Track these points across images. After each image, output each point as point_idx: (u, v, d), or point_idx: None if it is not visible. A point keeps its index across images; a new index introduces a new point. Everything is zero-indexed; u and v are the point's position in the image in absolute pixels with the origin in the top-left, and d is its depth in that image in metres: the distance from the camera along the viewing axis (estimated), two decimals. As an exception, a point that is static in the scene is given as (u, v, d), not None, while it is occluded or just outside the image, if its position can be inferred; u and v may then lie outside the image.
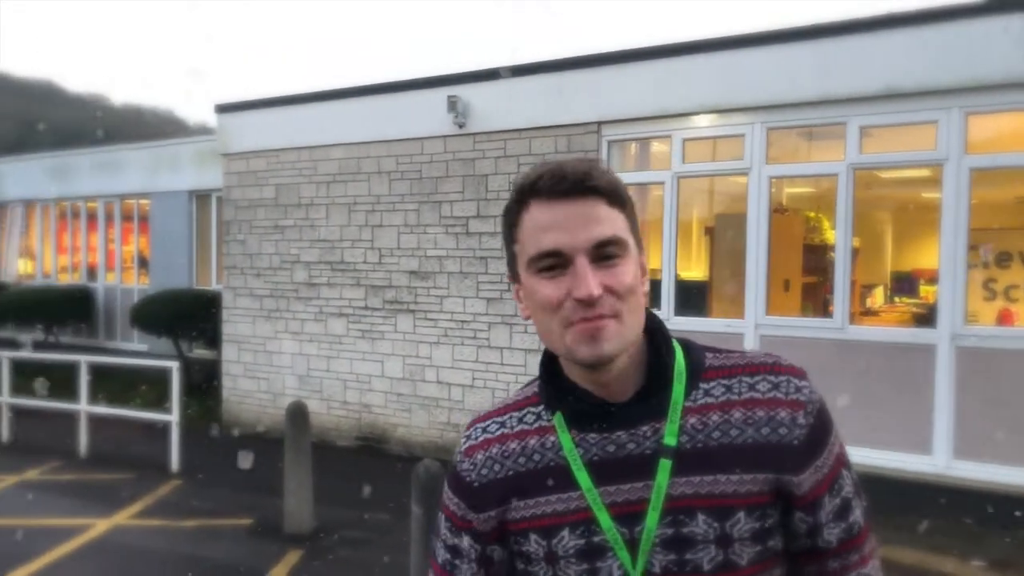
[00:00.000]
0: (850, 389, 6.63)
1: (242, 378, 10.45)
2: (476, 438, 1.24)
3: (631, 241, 1.11)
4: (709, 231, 9.14)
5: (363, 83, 9.53)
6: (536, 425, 1.20)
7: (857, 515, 1.15)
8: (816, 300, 8.42)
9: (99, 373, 9.69)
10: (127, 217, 15.30)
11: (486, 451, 1.22)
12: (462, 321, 8.63)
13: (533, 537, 1.17)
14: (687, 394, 1.14)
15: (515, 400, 1.26)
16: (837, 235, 7.01)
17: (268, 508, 6.58)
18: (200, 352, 12.58)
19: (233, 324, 10.52)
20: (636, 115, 7.73)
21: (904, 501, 6.13)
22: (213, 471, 8.30)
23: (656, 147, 8.08)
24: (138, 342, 13.88)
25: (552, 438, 1.17)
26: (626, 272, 1.08)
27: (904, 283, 10.91)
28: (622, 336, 1.08)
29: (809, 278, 8.42)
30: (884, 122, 6.78)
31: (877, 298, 10.27)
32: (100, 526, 6.41)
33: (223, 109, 10.62)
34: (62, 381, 9.81)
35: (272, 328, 10.14)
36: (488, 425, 1.25)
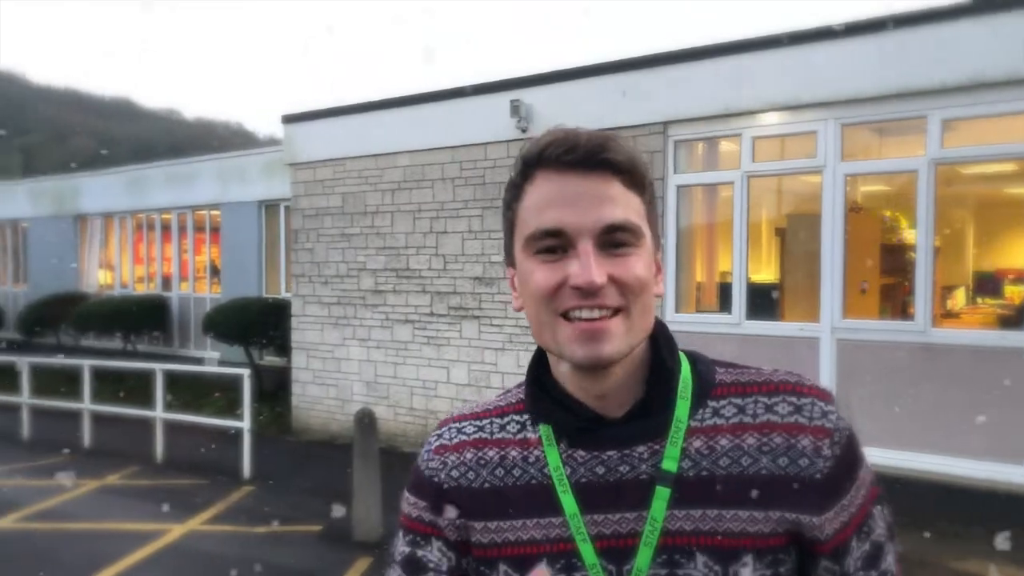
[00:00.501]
0: (933, 394, 6.34)
1: (311, 385, 10.58)
2: (450, 439, 1.08)
3: (647, 231, 0.96)
4: (780, 232, 8.88)
5: (426, 90, 9.57)
6: (520, 436, 1.04)
7: (889, 562, 0.96)
8: (895, 302, 8.10)
9: (174, 380, 9.93)
10: (199, 228, 15.72)
11: (459, 454, 1.05)
12: (527, 327, 8.54)
13: (503, 568, 1.00)
14: (692, 412, 0.98)
15: (497, 405, 1.10)
16: (918, 234, 6.72)
17: (338, 516, 6.62)
18: (270, 359, 12.81)
19: (302, 332, 10.67)
20: (704, 114, 7.56)
21: (997, 513, 5.82)
22: (284, 477, 8.41)
23: (725, 146, 7.88)
24: (211, 350, 14.21)
25: (536, 452, 1.01)
26: (637, 264, 0.93)
27: (987, 283, 10.44)
28: (625, 337, 0.92)
29: (887, 279, 8.09)
30: (968, 114, 6.47)
31: (958, 299, 9.84)
32: (175, 531, 6.54)
33: (289, 119, 10.80)
34: (139, 388, 10.09)
35: (340, 335, 10.25)
36: (464, 426, 1.08)
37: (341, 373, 10.25)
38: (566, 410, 0.99)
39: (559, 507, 0.98)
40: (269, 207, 13.99)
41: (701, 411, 0.98)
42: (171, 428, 9.26)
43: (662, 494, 0.94)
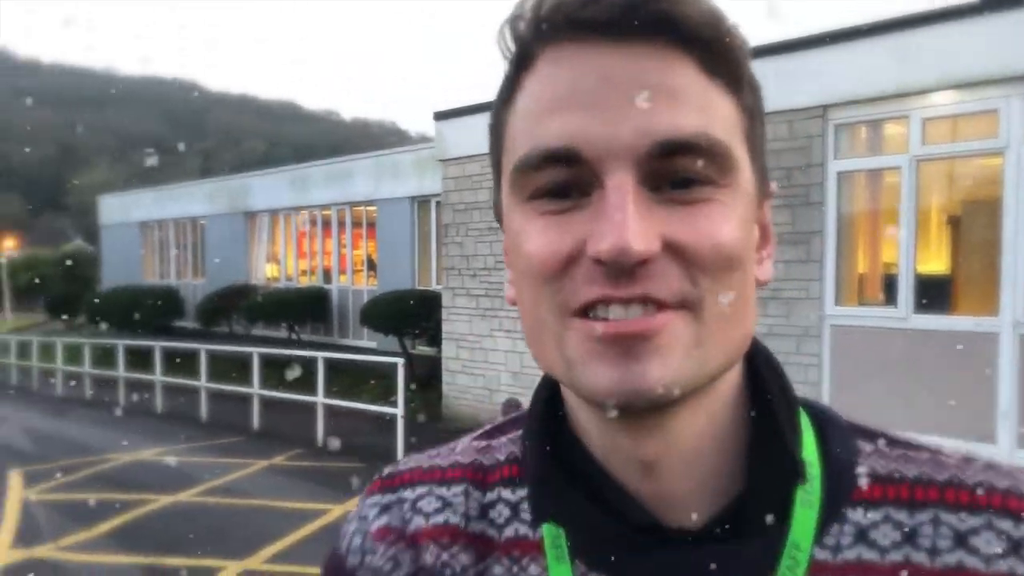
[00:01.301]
0: None
1: (460, 374, 10.84)
2: (391, 520, 0.65)
3: (744, 160, 0.52)
4: (953, 220, 8.23)
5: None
6: (510, 530, 0.60)
7: None
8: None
9: (333, 368, 10.45)
10: (356, 223, 16.44)
11: (412, 550, 0.63)
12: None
13: None
14: (821, 532, 0.53)
15: (473, 460, 0.65)
16: (1119, 220, 6.03)
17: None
18: (423, 349, 13.23)
19: (452, 323, 10.94)
20: (868, 95, 7.11)
21: None
22: (435, 464, 8.66)
23: (891, 129, 7.39)
24: (367, 339, 14.84)
25: (535, 569, 0.58)
26: (721, 221, 0.50)
27: None
28: (692, 355, 0.49)
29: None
30: None
31: None
32: (335, 511, 6.87)
33: (440, 116, 11.08)
34: (302, 375, 10.69)
35: (487, 326, 10.43)
36: (420, 497, 0.65)
37: (488, 363, 10.43)
38: (592, 501, 0.55)
39: None
40: (421, 203, 14.43)
41: (836, 530, 0.54)
42: (331, 413, 9.76)
43: None
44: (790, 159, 7.46)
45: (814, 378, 7.30)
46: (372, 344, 14.53)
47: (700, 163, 0.49)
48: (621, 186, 0.48)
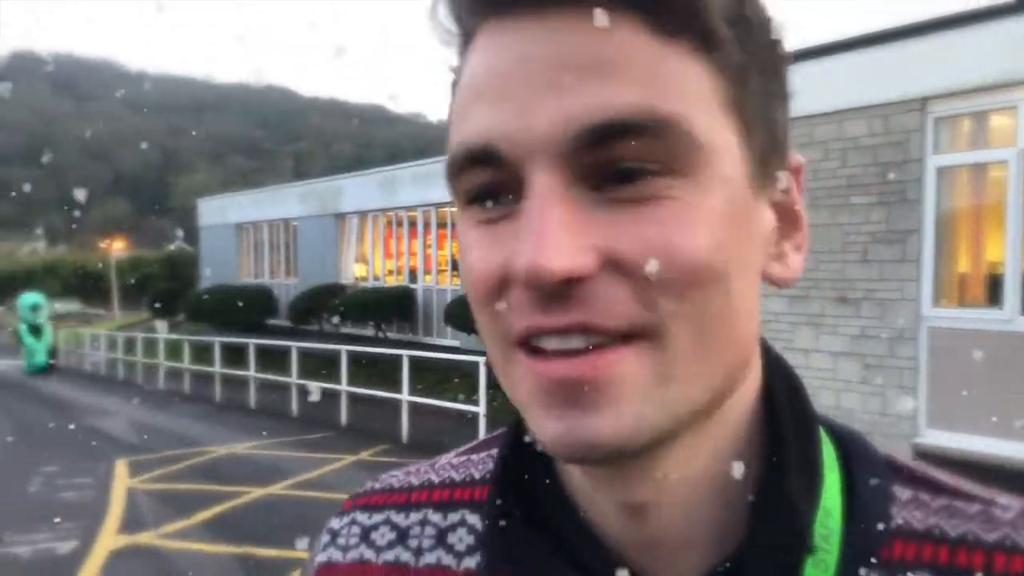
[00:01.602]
0: None
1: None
2: (343, 553, 0.57)
3: (728, 139, 0.41)
4: (1065, 216, 7.76)
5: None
6: (468, 566, 0.52)
7: None
8: None
9: (418, 366, 10.62)
10: (442, 224, 16.66)
11: None
12: (762, 321, 8.19)
13: None
14: None
15: (444, 478, 0.58)
16: None
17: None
18: (505, 348, 13.27)
19: (534, 322, 10.95)
20: (971, 86, 6.77)
21: None
22: (517, 462, 8.71)
23: (996, 121, 7.01)
24: (451, 338, 15.01)
25: None
26: (684, 224, 0.39)
27: None
28: (655, 399, 0.40)
29: None
30: None
31: None
32: (419, 507, 6.99)
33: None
34: (388, 372, 10.90)
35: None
36: (375, 526, 0.57)
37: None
38: (555, 543, 0.47)
39: None
40: (505, 202, 14.49)
41: None
42: (415, 410, 9.92)
43: None
44: (885, 154, 7.18)
45: (910, 382, 7.00)
46: (456, 343, 14.68)
47: (645, 149, 0.38)
48: (544, 188, 0.39)
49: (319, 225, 19.87)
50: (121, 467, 8.61)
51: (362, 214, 18.87)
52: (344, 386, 11.08)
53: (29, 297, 23.31)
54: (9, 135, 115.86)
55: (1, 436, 11.51)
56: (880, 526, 0.45)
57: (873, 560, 0.44)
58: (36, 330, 22.62)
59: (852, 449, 0.48)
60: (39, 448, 10.19)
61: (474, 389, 9.37)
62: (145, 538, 5.96)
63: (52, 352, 23.07)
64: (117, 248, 54.85)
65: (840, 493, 0.45)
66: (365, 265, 19.17)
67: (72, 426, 11.95)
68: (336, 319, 16.88)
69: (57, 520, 6.40)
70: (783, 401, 0.47)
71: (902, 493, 0.46)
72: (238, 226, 23.48)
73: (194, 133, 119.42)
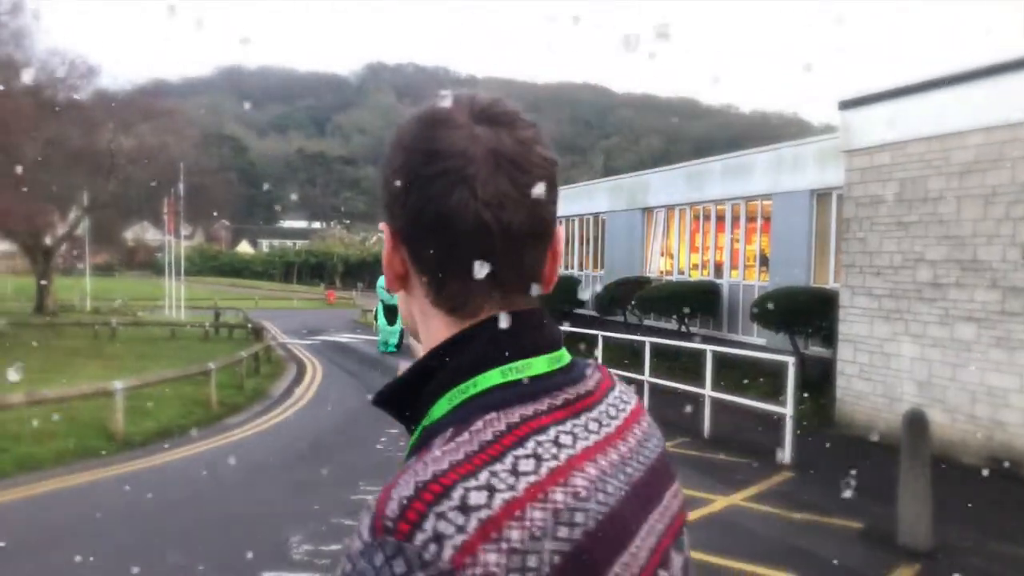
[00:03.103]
0: None
1: (856, 379, 10.17)
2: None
3: None
4: None
5: (1008, 59, 8.37)
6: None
7: None
8: None
9: (721, 362, 10.50)
10: (751, 218, 16.20)
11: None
12: None
13: None
14: None
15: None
16: None
17: (879, 516, 6.30)
18: (815, 349, 12.64)
19: (849, 324, 10.30)
20: None
21: None
22: (823, 469, 8.28)
23: None
24: (756, 336, 14.59)
25: None
26: None
27: None
28: None
29: None
30: None
31: None
32: (719, 503, 6.96)
33: (847, 105, 10.46)
34: (690, 366, 10.92)
35: (890, 329, 9.63)
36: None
37: (890, 369, 9.63)
38: None
39: None
40: (821, 196, 13.75)
41: None
42: (717, 406, 9.83)
43: None
44: None
45: None
46: (761, 341, 14.25)
47: None
48: None
49: (626, 219, 20.31)
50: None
51: (669, 208, 18.95)
52: (647, 376, 11.29)
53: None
54: (363, 138, 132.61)
55: (359, 401, 13.40)
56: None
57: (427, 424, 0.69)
58: (391, 311, 24.64)
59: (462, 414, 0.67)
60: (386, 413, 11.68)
61: (779, 390, 9.07)
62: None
63: (402, 333, 25.51)
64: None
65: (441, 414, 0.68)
66: (670, 259, 19.24)
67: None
68: (640, 311, 17.17)
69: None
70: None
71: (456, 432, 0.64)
72: (551, 219, 24.71)
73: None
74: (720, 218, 16.99)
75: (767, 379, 11.43)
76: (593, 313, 19.49)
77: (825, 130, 21.11)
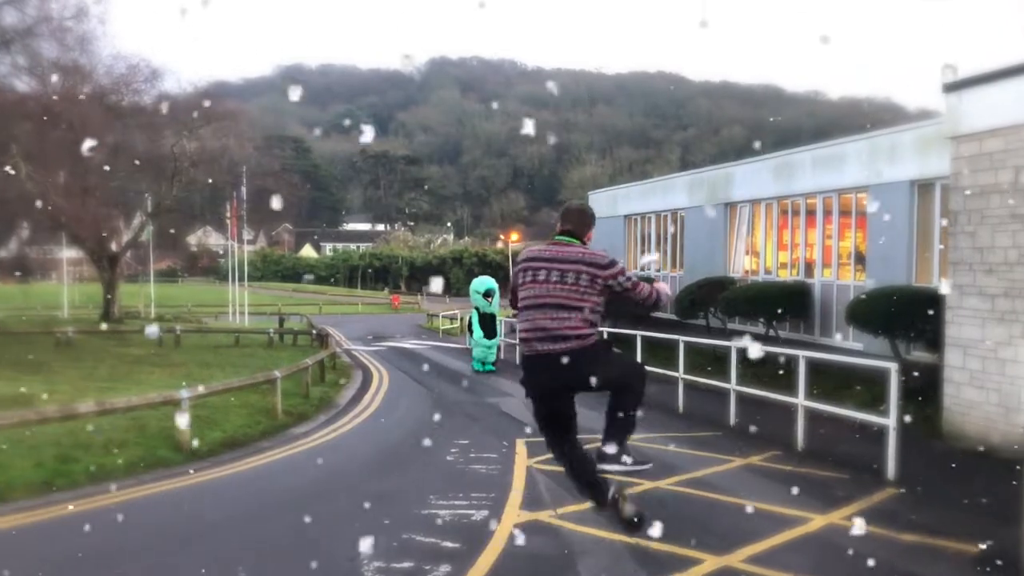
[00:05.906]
0: None
1: (967, 387, 9.75)
2: None
3: None
4: None
5: None
6: None
7: None
8: None
9: (814, 369, 10.19)
10: (844, 212, 15.74)
11: None
12: None
13: None
14: None
15: None
16: None
17: (1001, 538, 5.99)
18: (919, 354, 12.20)
19: (958, 326, 9.89)
20: None
21: None
22: (933, 485, 7.96)
23: None
24: (852, 340, 14.16)
25: None
26: None
27: None
28: None
29: None
30: None
31: None
32: (816, 522, 6.73)
33: (951, 87, 10.06)
34: (780, 374, 10.63)
35: (1007, 332, 9.21)
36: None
37: (1006, 377, 9.20)
38: None
39: None
40: (922, 187, 13.28)
41: None
42: (811, 416, 9.55)
43: None
44: None
45: None
46: (858, 345, 13.84)
47: None
48: None
49: (707, 215, 19.98)
50: (520, 446, 9.57)
51: (754, 202, 18.57)
52: (733, 385, 11.05)
53: (482, 282, 20.38)
54: (428, 136, 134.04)
55: (427, 410, 13.51)
56: None
57: None
58: (489, 321, 19.33)
59: None
60: (456, 423, 11.80)
61: (879, 398, 8.75)
62: (544, 516, 6.58)
63: (498, 349, 20.32)
64: (513, 239, 60.48)
65: None
66: (756, 257, 18.85)
67: (481, 405, 13.60)
68: (723, 314, 16.85)
69: (470, 491, 7.38)
70: None
71: None
72: (626, 217, 24.54)
73: (584, 125, 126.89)
74: (810, 212, 16.56)
75: (864, 387, 11.06)
76: (672, 316, 19.24)
77: (921, 115, 20.36)
